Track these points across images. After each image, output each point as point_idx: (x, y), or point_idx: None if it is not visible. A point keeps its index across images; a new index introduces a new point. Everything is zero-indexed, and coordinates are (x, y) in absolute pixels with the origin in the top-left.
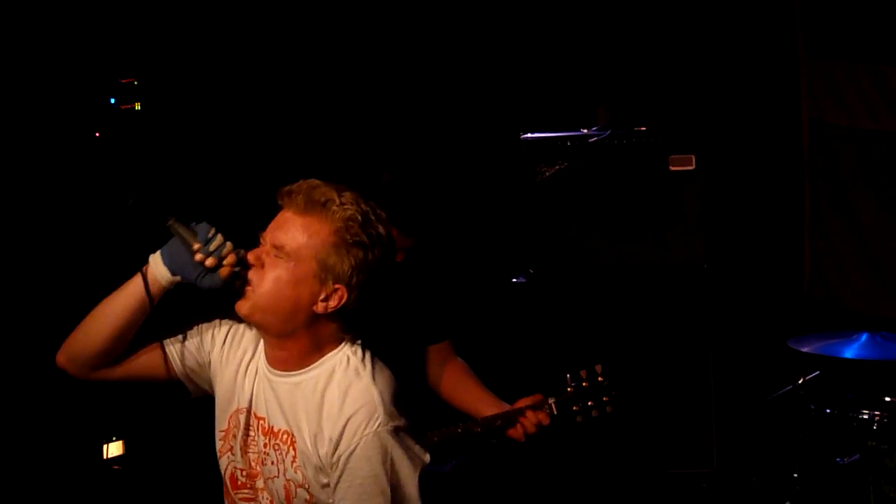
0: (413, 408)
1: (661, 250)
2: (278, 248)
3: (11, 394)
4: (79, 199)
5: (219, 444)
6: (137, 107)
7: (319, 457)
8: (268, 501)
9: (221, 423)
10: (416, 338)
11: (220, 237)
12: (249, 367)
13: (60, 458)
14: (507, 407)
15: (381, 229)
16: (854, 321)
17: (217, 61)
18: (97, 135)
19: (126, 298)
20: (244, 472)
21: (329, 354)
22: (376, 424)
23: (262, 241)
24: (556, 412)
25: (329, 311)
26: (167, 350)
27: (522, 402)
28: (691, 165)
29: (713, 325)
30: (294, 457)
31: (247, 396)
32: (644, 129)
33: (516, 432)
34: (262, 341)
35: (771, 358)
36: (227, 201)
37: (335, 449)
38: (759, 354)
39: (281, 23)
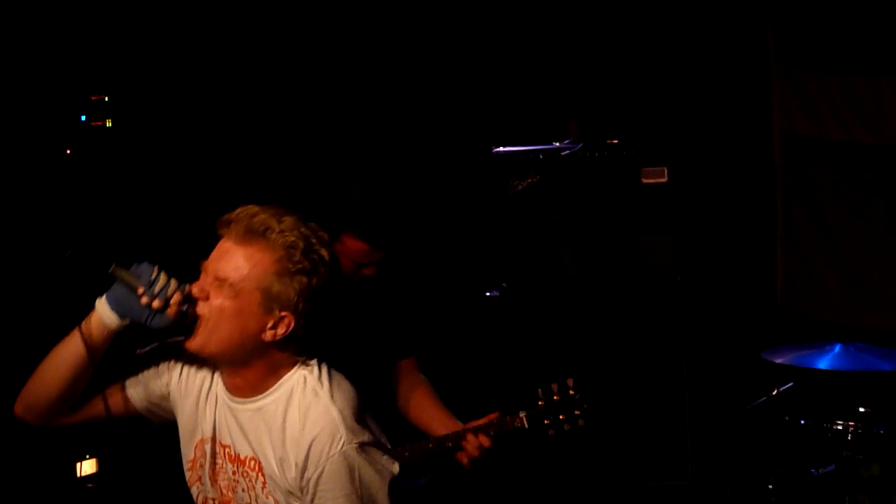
0: (376, 419)
1: (634, 262)
2: (221, 280)
3: None
4: (49, 217)
5: (187, 473)
6: (108, 123)
7: (288, 481)
8: None
9: (188, 453)
10: (384, 352)
11: (163, 276)
12: (209, 396)
13: (33, 477)
14: (460, 428)
15: (323, 252)
16: (828, 332)
17: (187, 78)
18: (68, 152)
19: (76, 346)
20: (216, 501)
21: (285, 377)
22: (340, 444)
23: (203, 270)
24: (527, 426)
25: (278, 338)
26: (126, 388)
27: (473, 423)
28: (664, 178)
29: (687, 337)
30: (264, 482)
31: (209, 425)
32: (616, 141)
33: (461, 457)
34: (218, 369)
35: (745, 369)
36: (199, 217)
37: (303, 473)
38: (733, 366)
39: (251, 40)
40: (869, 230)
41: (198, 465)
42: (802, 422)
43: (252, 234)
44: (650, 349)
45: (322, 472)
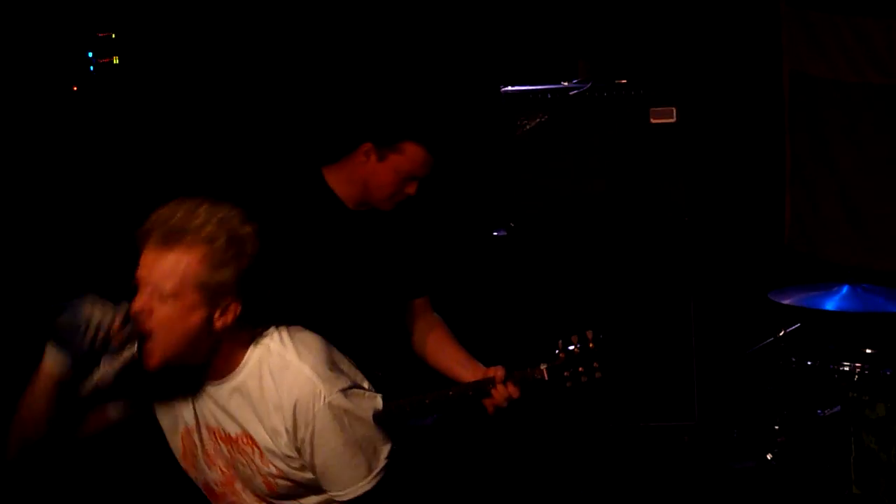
0: (348, 357)
1: (642, 203)
2: (158, 290)
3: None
4: (55, 156)
5: (182, 464)
6: (115, 61)
7: (282, 447)
8: (253, 498)
9: (176, 445)
10: (398, 291)
11: (97, 312)
12: (181, 387)
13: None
14: (481, 371)
15: (244, 230)
16: (835, 273)
17: (197, 15)
18: (74, 89)
19: (44, 391)
20: (218, 483)
21: (249, 352)
22: (322, 399)
23: (139, 282)
24: (547, 378)
25: (228, 324)
26: (105, 410)
27: (493, 371)
28: (672, 118)
29: (694, 278)
30: (261, 454)
31: (190, 415)
32: (625, 81)
33: (487, 404)
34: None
35: (752, 310)
36: (206, 160)
37: (295, 436)
38: (740, 307)
39: None
40: (877, 171)
41: (189, 454)
42: (809, 363)
43: (171, 237)
44: (658, 290)
45: (313, 430)
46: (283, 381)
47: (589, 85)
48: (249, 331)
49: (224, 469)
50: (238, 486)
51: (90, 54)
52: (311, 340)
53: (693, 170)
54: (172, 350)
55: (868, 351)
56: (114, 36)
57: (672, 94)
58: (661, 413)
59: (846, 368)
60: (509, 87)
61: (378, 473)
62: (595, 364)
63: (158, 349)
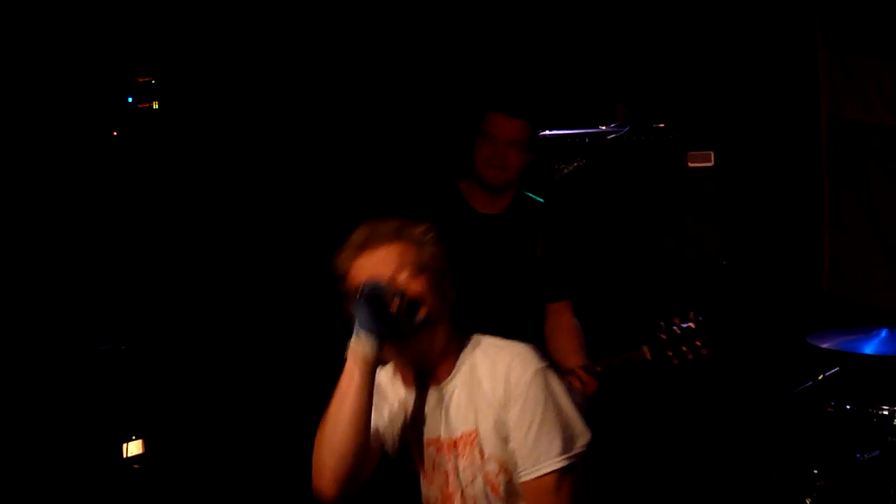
0: None
1: (680, 247)
2: (404, 272)
3: (32, 393)
4: (96, 199)
5: (423, 484)
6: (155, 105)
7: (500, 415)
8: None
9: (419, 465)
10: (530, 295)
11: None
12: (404, 404)
13: (80, 458)
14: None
15: (420, 225)
16: (874, 317)
17: (234, 59)
18: (115, 133)
19: (355, 394)
20: (438, 500)
21: (463, 352)
22: (533, 366)
23: (381, 279)
24: (650, 358)
25: (448, 309)
26: (379, 430)
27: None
28: (710, 162)
29: (732, 322)
30: (481, 451)
31: (420, 429)
32: (662, 125)
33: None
34: (395, 377)
35: (790, 354)
36: (247, 198)
37: (511, 406)
38: (778, 351)
39: (294, 17)
40: None
41: (427, 471)
42: (848, 407)
43: (393, 235)
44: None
45: (525, 396)
46: (498, 358)
47: (627, 129)
48: (456, 334)
49: (444, 486)
50: (457, 500)
51: (130, 99)
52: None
53: (731, 213)
54: (433, 327)
55: None
56: (153, 81)
57: (710, 138)
58: (700, 457)
59: (885, 412)
60: (547, 132)
61: (569, 457)
62: (698, 343)
63: (428, 326)
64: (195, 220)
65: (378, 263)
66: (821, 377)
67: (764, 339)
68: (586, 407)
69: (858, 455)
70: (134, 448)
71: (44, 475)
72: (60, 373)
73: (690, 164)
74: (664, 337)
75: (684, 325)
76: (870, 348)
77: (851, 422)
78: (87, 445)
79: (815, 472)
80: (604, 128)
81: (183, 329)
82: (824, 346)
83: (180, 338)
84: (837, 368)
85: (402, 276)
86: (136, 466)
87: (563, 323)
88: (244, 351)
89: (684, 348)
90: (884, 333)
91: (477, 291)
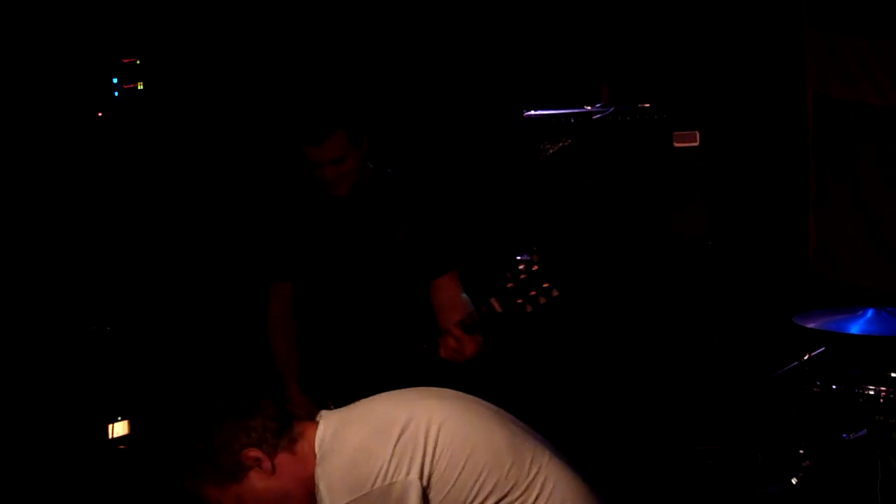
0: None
1: (665, 227)
2: None
3: (17, 374)
4: (81, 180)
5: None
6: (140, 86)
7: None
8: None
9: None
10: (405, 271)
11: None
12: None
13: (65, 439)
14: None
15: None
16: (859, 297)
17: (219, 41)
18: (99, 115)
19: None
20: None
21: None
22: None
23: None
24: (501, 310)
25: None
26: None
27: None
28: (695, 142)
29: (718, 302)
30: None
31: None
32: (648, 105)
33: (445, 357)
34: None
35: (776, 334)
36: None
37: None
38: (764, 331)
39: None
40: None
41: None
42: (834, 387)
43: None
44: (681, 313)
45: None
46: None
47: (612, 109)
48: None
49: None
50: None
51: (115, 80)
52: (349, 437)
53: (716, 193)
54: None
55: (893, 374)
56: (138, 62)
57: (695, 118)
58: (685, 437)
59: (871, 392)
60: (532, 112)
61: None
62: (545, 284)
63: None
64: (180, 202)
65: None
66: (807, 357)
67: (750, 320)
68: None
69: (844, 435)
70: (119, 429)
71: (29, 456)
72: (45, 354)
73: (676, 144)
74: (511, 286)
75: (529, 270)
76: (856, 328)
77: (837, 402)
78: (73, 426)
79: (801, 451)
80: (589, 108)
81: (168, 310)
82: (810, 326)
83: (166, 319)
84: (823, 348)
85: None
86: (121, 447)
87: (449, 297)
88: (229, 331)
89: (533, 293)
90: (869, 313)
91: (339, 276)
